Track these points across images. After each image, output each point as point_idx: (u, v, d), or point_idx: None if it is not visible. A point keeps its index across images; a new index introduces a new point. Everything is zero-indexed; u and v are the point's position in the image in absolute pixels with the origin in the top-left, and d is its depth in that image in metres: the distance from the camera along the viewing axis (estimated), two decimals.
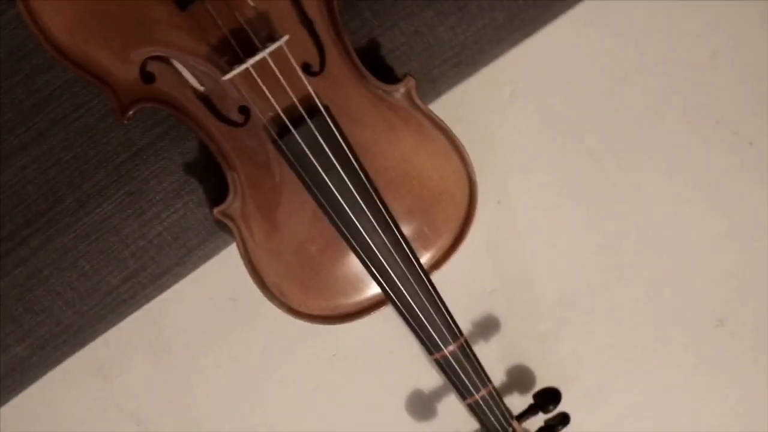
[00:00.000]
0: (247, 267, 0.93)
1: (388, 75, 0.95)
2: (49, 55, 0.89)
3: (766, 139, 1.14)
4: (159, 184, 0.96)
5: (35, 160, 0.94)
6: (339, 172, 0.89)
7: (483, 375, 1.01)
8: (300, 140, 0.87)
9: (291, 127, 0.87)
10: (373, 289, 0.96)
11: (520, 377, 1.16)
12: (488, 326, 1.14)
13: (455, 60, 1.00)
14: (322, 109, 0.88)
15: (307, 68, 0.88)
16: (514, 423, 1.06)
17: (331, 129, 0.88)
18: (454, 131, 0.94)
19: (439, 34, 0.98)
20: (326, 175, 0.89)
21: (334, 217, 0.91)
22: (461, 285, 1.10)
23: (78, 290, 0.97)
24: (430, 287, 0.95)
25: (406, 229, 0.94)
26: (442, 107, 1.02)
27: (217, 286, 1.10)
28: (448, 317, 0.96)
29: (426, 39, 0.98)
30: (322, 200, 0.90)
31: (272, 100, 0.87)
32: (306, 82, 0.87)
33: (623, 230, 1.14)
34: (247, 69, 0.84)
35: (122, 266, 0.97)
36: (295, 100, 0.87)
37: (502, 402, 1.04)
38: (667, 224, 1.14)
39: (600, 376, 1.17)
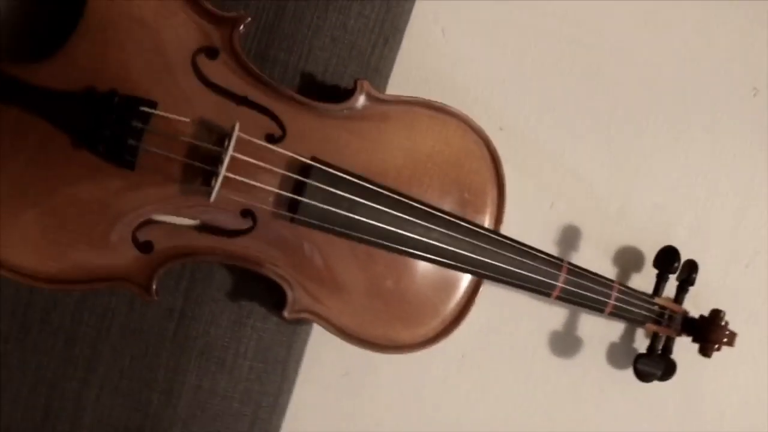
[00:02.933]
0: (346, 339, 0.90)
1: (339, 93, 0.92)
2: (48, 293, 0.87)
3: None
4: (218, 328, 0.93)
5: (101, 387, 0.90)
6: (364, 203, 0.86)
7: (603, 280, 0.98)
8: (313, 202, 0.84)
9: (298, 197, 0.84)
10: (464, 280, 0.93)
11: (630, 260, 1.13)
12: (570, 237, 1.11)
13: (381, 38, 0.96)
14: (312, 163, 0.85)
15: (272, 138, 0.85)
16: (656, 300, 1.03)
17: (332, 173, 0.85)
18: (427, 97, 0.91)
19: (352, 28, 0.94)
20: (356, 215, 0.86)
21: (387, 244, 0.88)
22: (523, 219, 1.06)
23: None
24: (507, 242, 0.92)
25: (451, 207, 0.91)
26: (399, 84, 0.99)
27: (324, 374, 1.07)
28: (541, 255, 0.94)
29: (345, 39, 0.94)
30: (367, 237, 0.87)
31: (264, 186, 0.84)
32: (281, 150, 0.84)
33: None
34: (225, 177, 0.81)
35: (240, 418, 0.94)
36: (282, 172, 0.84)
37: (634, 291, 1.01)
38: None
39: (688, 205, 1.15)
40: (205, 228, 0.85)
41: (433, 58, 1.07)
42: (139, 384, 0.91)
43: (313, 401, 1.08)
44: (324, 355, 1.06)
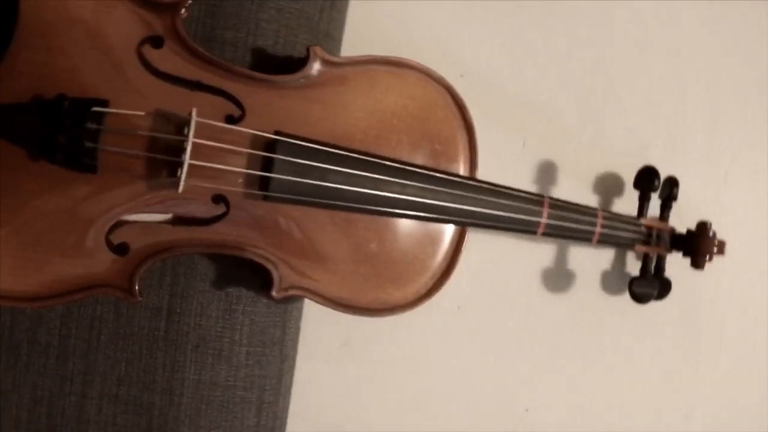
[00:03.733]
0: (339, 309, 0.89)
1: (293, 63, 0.89)
2: (31, 311, 0.85)
3: None
4: (209, 318, 0.91)
5: (101, 398, 0.88)
6: (334, 169, 0.84)
7: (586, 210, 0.97)
8: (283, 176, 0.83)
9: (267, 174, 0.82)
10: (448, 231, 0.92)
11: (609, 186, 1.13)
12: (547, 172, 1.10)
13: (328, 1, 0.94)
14: (276, 137, 0.83)
15: (231, 119, 0.83)
16: (642, 221, 1.03)
17: (297, 144, 0.83)
18: (383, 54, 0.89)
19: None
20: (328, 183, 0.84)
21: (365, 207, 0.86)
22: (497, 162, 1.05)
23: None
24: (485, 187, 0.91)
25: (424, 160, 0.90)
26: (354, 45, 0.97)
27: (323, 347, 1.07)
28: (521, 194, 0.93)
29: (291, 8, 0.92)
30: (343, 204, 0.85)
31: (231, 168, 0.82)
32: (242, 129, 0.82)
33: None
34: (190, 165, 0.79)
35: (246, 405, 0.93)
36: (247, 151, 0.82)
37: (619, 215, 1.01)
38: None
39: (659, 123, 1.14)
40: (178, 220, 0.83)
41: (384, 14, 1.06)
42: (139, 388, 0.89)
43: (317, 376, 1.08)
44: (320, 329, 1.05)
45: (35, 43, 0.80)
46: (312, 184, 0.84)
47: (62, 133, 0.77)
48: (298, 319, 0.98)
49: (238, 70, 0.84)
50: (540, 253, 1.11)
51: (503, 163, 1.07)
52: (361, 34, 1.02)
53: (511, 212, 0.92)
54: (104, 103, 0.79)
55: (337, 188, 0.85)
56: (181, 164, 0.79)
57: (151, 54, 0.82)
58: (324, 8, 0.94)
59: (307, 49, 0.86)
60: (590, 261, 1.12)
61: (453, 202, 0.89)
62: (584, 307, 1.13)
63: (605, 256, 1.13)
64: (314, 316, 1.02)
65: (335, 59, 0.87)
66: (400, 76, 0.90)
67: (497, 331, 1.12)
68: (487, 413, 1.13)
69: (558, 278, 1.12)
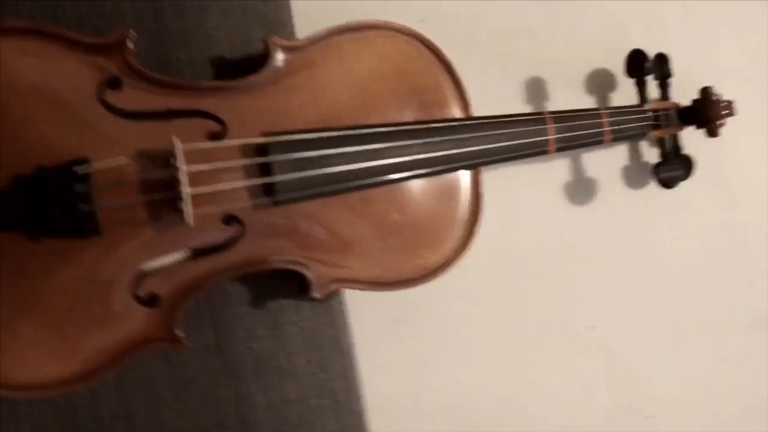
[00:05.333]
0: (382, 289, 0.86)
1: (256, 61, 0.86)
2: (84, 390, 0.83)
3: None
4: (259, 340, 0.88)
5: None
6: (332, 153, 0.82)
7: (589, 113, 0.95)
8: (285, 176, 0.80)
9: (269, 179, 0.80)
10: (462, 178, 0.89)
11: (602, 83, 1.10)
12: (537, 90, 1.08)
13: None
14: (264, 140, 0.80)
15: (215, 136, 0.80)
16: (646, 107, 1.00)
17: (288, 140, 0.81)
18: (340, 24, 0.86)
19: None
20: (331, 168, 0.82)
21: (374, 181, 0.84)
22: (485, 96, 1.02)
23: None
24: (485, 122, 0.89)
25: (416, 115, 0.87)
26: (308, 25, 0.94)
27: (377, 331, 1.05)
28: (521, 118, 0.90)
29: (234, 8, 0.88)
30: (352, 184, 0.83)
31: (232, 185, 0.79)
32: (229, 143, 0.80)
33: None
34: (190, 195, 0.76)
35: (322, 412, 0.91)
36: (242, 162, 0.80)
37: (622, 108, 0.98)
38: None
39: (632, 3, 1.11)
40: (198, 254, 0.80)
41: None
42: (214, 430, 0.87)
43: (380, 359, 1.05)
44: (368, 315, 1.02)
45: None
46: (316, 174, 0.81)
47: (53, 205, 0.74)
48: (344, 312, 0.95)
49: (204, 85, 0.81)
50: (556, 172, 1.08)
51: (491, 96, 1.03)
52: (312, 11, 0.98)
53: (517, 139, 0.90)
54: (84, 161, 0.76)
55: (341, 171, 0.82)
56: (181, 198, 0.76)
57: (114, 97, 0.79)
58: None
59: (264, 42, 0.83)
60: (607, 163, 1.10)
61: (458, 148, 0.87)
62: (615, 209, 1.11)
63: (620, 154, 1.11)
64: (358, 305, 0.99)
65: (295, 43, 0.84)
66: (364, 39, 0.87)
67: (539, 260, 1.10)
68: (555, 343, 1.11)
69: (581, 190, 1.10)
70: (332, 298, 0.92)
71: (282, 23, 0.91)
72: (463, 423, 1.11)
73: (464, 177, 0.89)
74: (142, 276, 0.78)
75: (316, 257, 0.84)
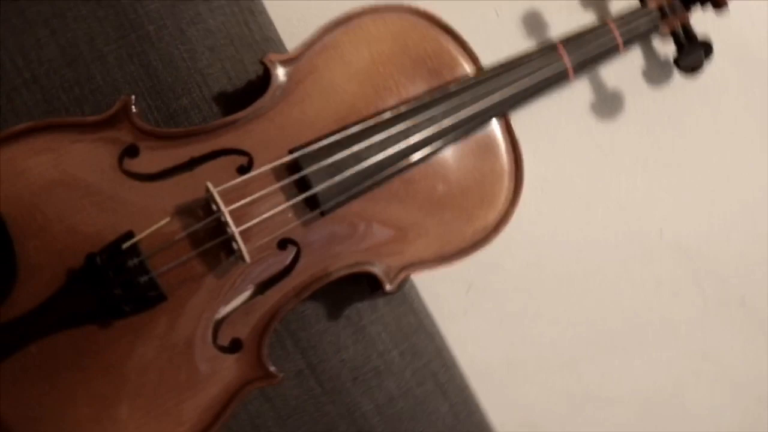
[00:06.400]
0: (449, 261, 0.85)
1: (259, 85, 0.85)
2: None
3: None
4: (347, 350, 0.89)
5: None
6: (361, 147, 0.81)
7: (597, 29, 0.93)
8: (325, 184, 0.79)
9: (309, 192, 0.79)
10: (494, 129, 0.87)
11: None
12: (535, 22, 1.05)
13: (246, 12, 0.89)
14: (293, 156, 0.80)
15: (244, 169, 0.79)
16: (648, 4, 0.97)
17: (316, 149, 0.80)
18: (328, 21, 0.85)
19: (217, 26, 0.87)
20: (365, 162, 0.81)
21: (408, 162, 0.83)
22: (486, 44, 1.00)
23: None
24: (498, 69, 0.87)
25: (429, 84, 0.86)
26: (295, 33, 0.92)
27: (453, 305, 1.04)
28: (532, 54, 0.89)
29: (220, 41, 0.87)
30: (391, 170, 0.82)
31: (276, 210, 0.79)
32: (259, 171, 0.79)
33: None
34: (238, 233, 0.76)
35: (430, 398, 0.91)
36: (278, 185, 0.79)
37: (627, 14, 0.96)
38: None
39: None
40: (264, 286, 0.80)
41: None
42: None
43: (466, 331, 1.05)
44: (440, 292, 1.02)
45: (29, 230, 0.76)
46: (352, 173, 0.80)
47: (114, 286, 0.74)
48: (419, 296, 0.95)
49: (217, 124, 0.80)
50: (580, 95, 1.06)
51: (492, 42, 1.01)
52: (293, 20, 0.97)
53: (535, 76, 0.88)
54: (128, 235, 0.76)
55: (375, 162, 0.81)
56: (232, 238, 0.76)
57: (135, 164, 0.78)
58: (246, 20, 0.89)
59: (262, 63, 0.82)
60: (623, 71, 1.07)
61: (480, 103, 0.85)
62: (648, 112, 1.08)
63: (635, 60, 1.07)
64: (427, 286, 0.99)
65: (292, 55, 0.83)
66: (356, 28, 0.85)
67: (588, 185, 1.08)
68: (629, 259, 1.10)
69: (610, 105, 1.07)
70: (403, 286, 0.92)
71: (271, 40, 0.90)
72: (561, 363, 1.10)
73: (495, 128, 0.88)
74: (218, 325, 0.78)
75: (377, 252, 0.83)
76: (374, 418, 0.88)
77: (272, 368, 0.79)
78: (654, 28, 0.97)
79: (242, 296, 0.79)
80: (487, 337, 1.07)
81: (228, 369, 0.78)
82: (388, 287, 0.83)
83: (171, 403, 0.78)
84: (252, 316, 0.79)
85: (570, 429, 1.11)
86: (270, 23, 0.92)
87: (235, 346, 0.79)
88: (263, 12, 0.92)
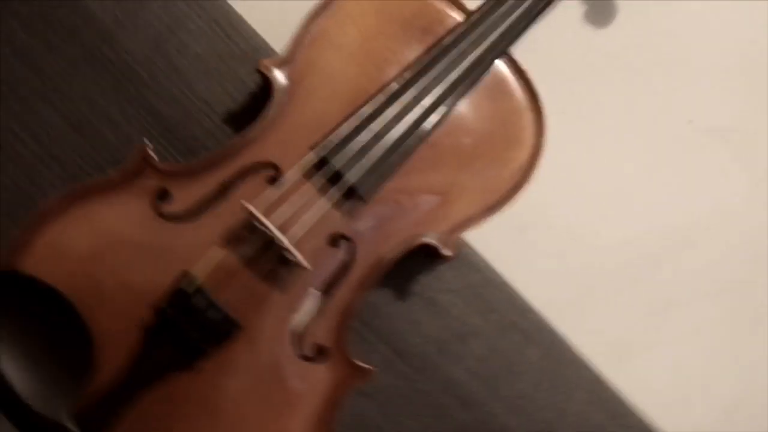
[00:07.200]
0: (495, 211, 0.85)
1: (261, 95, 0.84)
2: None
3: None
4: (426, 325, 0.88)
5: None
6: (379, 125, 0.81)
7: None
8: (355, 171, 0.80)
9: (345, 183, 0.79)
10: (501, 69, 0.86)
11: None
12: None
13: (224, 26, 0.89)
14: (318, 153, 0.79)
15: (275, 179, 0.79)
16: None
17: (337, 139, 0.80)
18: (308, 11, 0.84)
19: (203, 51, 0.87)
20: (387, 136, 0.81)
21: (428, 127, 0.83)
22: None
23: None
24: (487, 9, 0.86)
25: (425, 43, 0.85)
26: (281, 34, 0.91)
27: (511, 249, 1.03)
28: None
29: (210, 62, 0.87)
30: (414, 139, 0.82)
31: (317, 209, 0.78)
32: (289, 176, 0.79)
33: None
34: (288, 244, 0.75)
35: (516, 344, 0.90)
36: (312, 186, 0.79)
37: None
38: None
39: None
40: (329, 287, 0.79)
41: None
42: (450, 420, 0.88)
43: (528, 271, 1.03)
44: (495, 244, 1.00)
45: (91, 302, 0.75)
46: (379, 152, 0.80)
47: (189, 331, 0.74)
48: (474, 253, 0.94)
49: (234, 143, 0.80)
50: (571, 9, 1.04)
51: None
52: (273, 20, 0.95)
53: (527, 3, 0.86)
54: (186, 276, 0.75)
55: (397, 135, 0.81)
56: (285, 250, 0.75)
57: (170, 207, 0.78)
58: (229, 34, 0.89)
59: (258, 72, 0.82)
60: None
61: (479, 47, 0.84)
62: (647, 6, 1.06)
63: None
64: (481, 242, 0.98)
65: (284, 55, 0.82)
66: (338, 10, 0.84)
67: (604, 91, 1.07)
68: (668, 154, 1.08)
69: (603, 9, 1.05)
70: (461, 248, 0.91)
71: (259, 47, 0.89)
72: (631, 278, 1.09)
73: (501, 67, 0.86)
74: (299, 338, 0.78)
75: (426, 221, 0.82)
76: (471, 383, 0.88)
77: (363, 364, 0.79)
78: None
79: (312, 303, 0.79)
80: (553, 274, 1.06)
81: (321, 377, 0.78)
82: (446, 253, 0.82)
83: (277, 427, 0.78)
84: (328, 319, 0.79)
85: (662, 336, 1.10)
86: (252, 31, 0.91)
87: (320, 353, 0.78)
88: (242, 21, 0.91)
